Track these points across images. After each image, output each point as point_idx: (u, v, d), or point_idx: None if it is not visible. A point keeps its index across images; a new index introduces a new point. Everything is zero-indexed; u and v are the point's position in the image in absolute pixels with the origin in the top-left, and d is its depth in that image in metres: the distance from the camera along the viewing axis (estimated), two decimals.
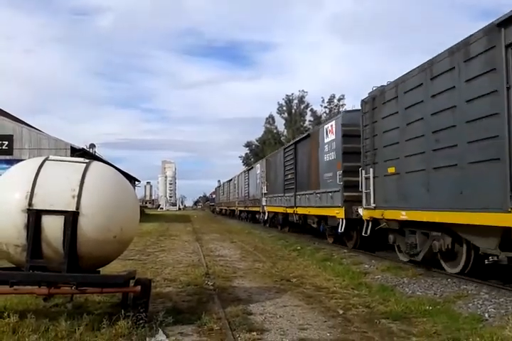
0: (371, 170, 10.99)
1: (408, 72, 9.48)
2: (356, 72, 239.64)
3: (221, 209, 61.66)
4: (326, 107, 65.04)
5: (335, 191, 13.74)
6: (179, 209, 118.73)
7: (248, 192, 33.46)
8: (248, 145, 76.54)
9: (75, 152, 25.13)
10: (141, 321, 5.19)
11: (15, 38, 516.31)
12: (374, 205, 10.83)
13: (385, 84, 10.59)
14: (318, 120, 61.73)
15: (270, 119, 71.96)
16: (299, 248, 14.98)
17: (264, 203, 25.86)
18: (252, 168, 33.58)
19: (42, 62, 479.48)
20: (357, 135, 12.07)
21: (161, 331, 5.16)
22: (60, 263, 5.28)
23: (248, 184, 33.66)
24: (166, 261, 11.94)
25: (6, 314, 5.28)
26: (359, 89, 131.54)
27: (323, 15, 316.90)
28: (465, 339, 5.01)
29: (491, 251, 7.17)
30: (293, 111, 68.34)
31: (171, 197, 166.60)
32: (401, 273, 9.48)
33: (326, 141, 14.81)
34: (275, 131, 71.68)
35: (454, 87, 7.76)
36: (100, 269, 6.04)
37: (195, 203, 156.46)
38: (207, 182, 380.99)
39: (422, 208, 8.70)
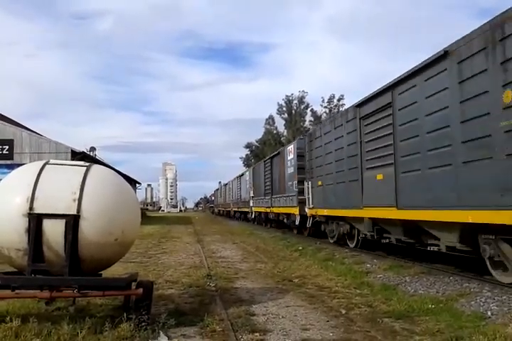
0: (310, 182, 16.13)
1: (325, 120, 15.04)
2: (355, 72, 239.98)
3: (219, 210, 64.64)
4: (325, 107, 65.06)
5: (293, 195, 18.87)
6: (180, 211, 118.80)
7: (240, 195, 38.95)
8: (248, 146, 76.57)
9: (76, 155, 25.14)
10: (143, 323, 5.18)
11: (17, 43, 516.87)
12: (312, 206, 15.89)
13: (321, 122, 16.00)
14: (318, 120, 61.68)
15: (270, 120, 72.04)
16: (300, 248, 14.98)
17: (251, 204, 31.34)
18: (243, 174, 38.94)
19: (43, 66, 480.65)
20: None
21: (163, 333, 5.16)
22: (62, 266, 5.27)
23: (240, 188, 39.10)
24: (168, 263, 11.94)
25: (8, 318, 5.25)
26: (358, 88, 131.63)
27: (322, 15, 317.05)
28: (468, 337, 4.99)
29: (364, 232, 11.87)
30: (293, 111, 68.30)
31: (171, 199, 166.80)
32: (403, 271, 9.48)
33: (288, 158, 20.11)
34: (275, 131, 71.73)
35: (342, 136, 12.93)
36: (102, 272, 6.04)
37: (197, 205, 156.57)
38: (208, 184, 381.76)
39: (333, 207, 13.66)
